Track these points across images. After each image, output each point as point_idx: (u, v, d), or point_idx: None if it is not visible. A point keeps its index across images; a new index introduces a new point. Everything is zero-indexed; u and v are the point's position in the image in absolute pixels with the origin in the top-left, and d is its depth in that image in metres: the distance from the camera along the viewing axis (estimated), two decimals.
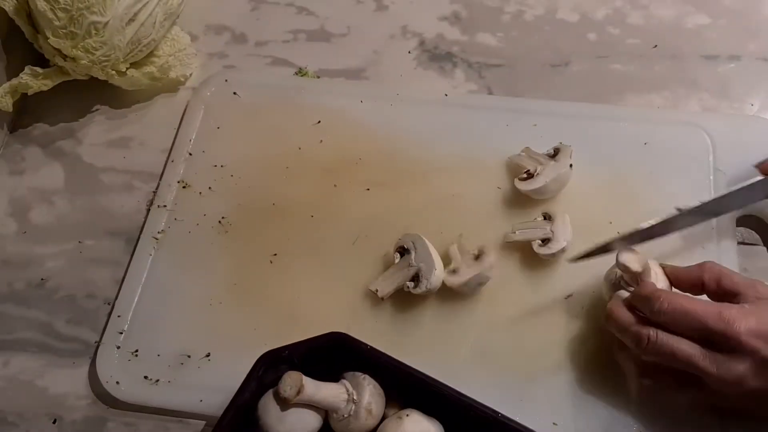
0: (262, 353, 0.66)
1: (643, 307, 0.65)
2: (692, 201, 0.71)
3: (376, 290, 0.75)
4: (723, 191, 0.72)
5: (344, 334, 0.67)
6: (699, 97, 0.89)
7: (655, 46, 0.94)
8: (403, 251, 0.76)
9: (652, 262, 0.69)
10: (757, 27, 0.95)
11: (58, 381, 0.77)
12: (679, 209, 0.70)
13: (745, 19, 0.95)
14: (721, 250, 0.76)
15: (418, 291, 0.74)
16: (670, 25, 0.96)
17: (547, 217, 0.78)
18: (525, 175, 0.80)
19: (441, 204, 0.80)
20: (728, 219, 0.78)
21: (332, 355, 0.68)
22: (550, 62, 0.94)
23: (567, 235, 0.76)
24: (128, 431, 0.74)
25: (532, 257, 0.77)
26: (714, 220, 0.78)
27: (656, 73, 0.92)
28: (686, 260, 0.71)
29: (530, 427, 0.67)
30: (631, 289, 0.68)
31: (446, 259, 0.78)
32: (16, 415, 0.75)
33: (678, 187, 0.78)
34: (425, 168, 0.84)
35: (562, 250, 0.75)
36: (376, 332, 0.74)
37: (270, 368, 0.67)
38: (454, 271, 0.75)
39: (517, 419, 0.67)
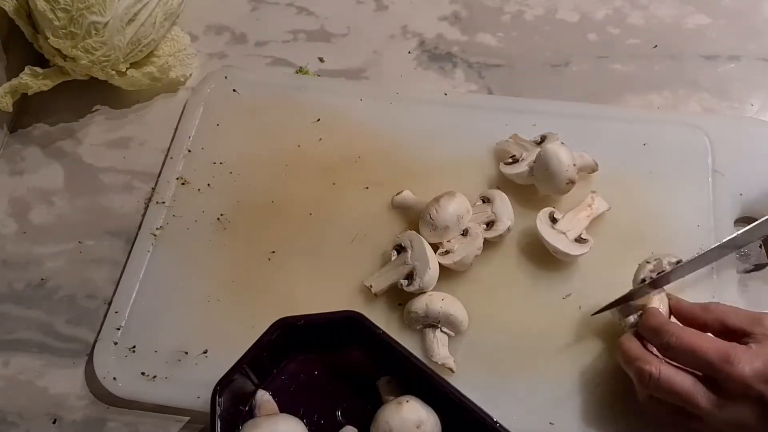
0: (274, 321, 0.69)
1: (651, 338, 0.64)
2: (711, 241, 0.72)
3: (371, 286, 0.75)
4: (746, 227, 0.72)
5: (360, 314, 0.68)
6: (699, 97, 0.89)
7: (655, 46, 0.94)
8: (399, 249, 0.77)
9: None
10: (757, 27, 0.95)
11: (58, 381, 0.77)
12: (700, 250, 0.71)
13: (745, 19, 0.95)
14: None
15: (410, 289, 0.74)
16: (670, 25, 0.96)
17: (486, 200, 0.79)
18: (510, 160, 0.81)
19: None
20: (727, 221, 0.78)
21: (342, 333, 0.69)
22: (550, 62, 0.94)
23: (509, 214, 0.77)
24: (128, 431, 0.74)
25: (530, 256, 0.77)
26: (712, 220, 0.78)
27: (656, 73, 0.92)
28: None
29: (527, 426, 0.68)
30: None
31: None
32: (16, 415, 0.75)
33: (677, 188, 0.78)
34: (424, 167, 0.84)
35: (508, 230, 0.76)
36: None
37: (284, 334, 0.68)
38: (446, 252, 0.76)
39: (514, 418, 0.68)
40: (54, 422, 0.74)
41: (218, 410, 0.65)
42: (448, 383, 0.65)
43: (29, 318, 0.81)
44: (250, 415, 0.69)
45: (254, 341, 0.68)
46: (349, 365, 0.70)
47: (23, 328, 0.80)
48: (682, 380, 0.61)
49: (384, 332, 0.67)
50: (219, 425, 0.65)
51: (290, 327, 0.68)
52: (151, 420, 0.74)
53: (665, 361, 0.63)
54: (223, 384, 0.66)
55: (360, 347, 0.69)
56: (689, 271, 0.71)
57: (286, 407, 0.69)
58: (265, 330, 0.68)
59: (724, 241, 0.70)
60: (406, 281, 0.74)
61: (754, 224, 0.70)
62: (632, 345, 0.65)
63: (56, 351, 0.78)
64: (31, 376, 0.77)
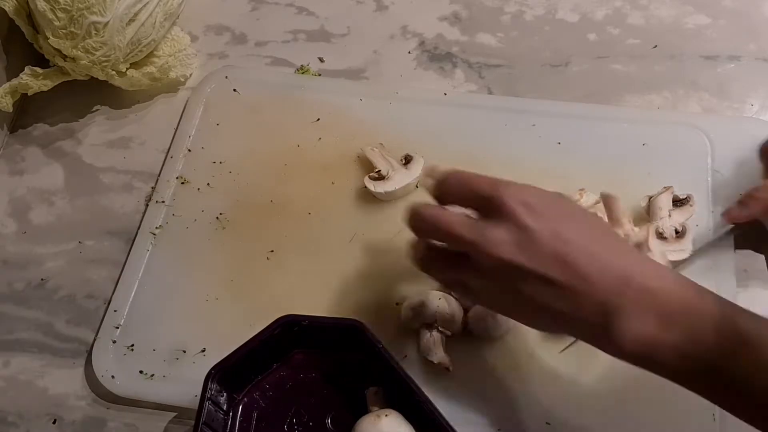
0: (279, 316, 0.69)
1: (431, 190, 0.64)
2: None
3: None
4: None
5: (363, 324, 0.68)
6: (699, 98, 0.89)
7: (655, 46, 0.94)
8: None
9: None
10: (757, 27, 0.95)
11: (58, 381, 0.77)
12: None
13: (745, 19, 0.95)
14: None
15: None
16: (670, 25, 0.96)
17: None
18: (376, 175, 0.82)
19: None
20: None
21: (345, 339, 0.69)
22: (550, 62, 0.94)
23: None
24: (128, 431, 0.74)
25: None
26: (711, 221, 0.78)
27: (656, 73, 0.92)
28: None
29: (523, 426, 0.68)
30: None
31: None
32: (16, 415, 0.75)
33: (676, 188, 0.78)
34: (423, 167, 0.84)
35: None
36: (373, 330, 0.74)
37: (287, 331, 0.69)
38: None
39: (510, 418, 0.68)
40: (54, 422, 0.74)
41: (208, 393, 0.66)
42: (440, 413, 0.64)
43: (29, 318, 0.81)
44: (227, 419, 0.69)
45: (256, 333, 0.68)
46: (347, 373, 0.70)
47: (23, 328, 0.80)
48: (447, 213, 0.60)
49: (384, 347, 0.67)
50: (206, 410, 0.65)
51: (294, 325, 0.69)
52: (151, 420, 0.74)
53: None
54: (218, 369, 0.66)
55: (360, 357, 0.69)
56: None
57: (278, 403, 0.70)
58: (267, 324, 0.68)
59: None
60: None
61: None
62: (413, 204, 0.64)
63: (56, 351, 0.78)
64: (31, 376, 0.77)
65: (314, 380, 0.71)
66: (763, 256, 0.77)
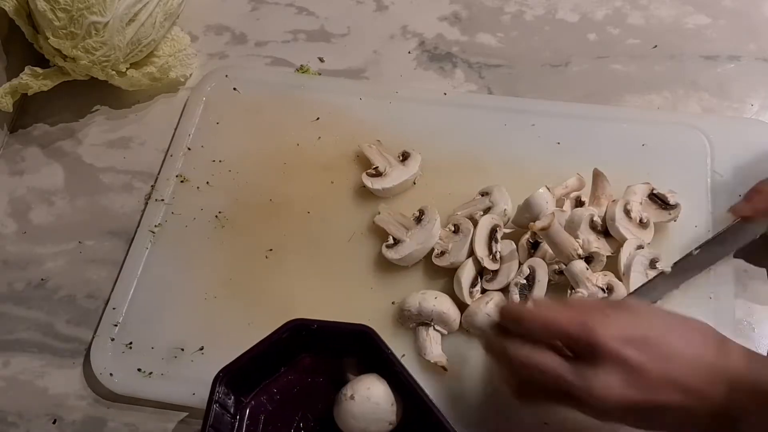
0: (289, 320, 0.68)
1: (510, 325, 0.62)
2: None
3: (378, 213, 0.79)
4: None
5: (373, 330, 0.68)
6: (699, 98, 0.89)
7: (655, 46, 0.94)
8: (420, 216, 0.78)
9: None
10: (757, 27, 0.95)
11: (58, 381, 0.77)
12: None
13: (745, 19, 0.95)
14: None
15: (386, 252, 0.76)
16: (670, 25, 0.96)
17: (484, 193, 0.79)
18: (373, 172, 0.82)
19: (438, 203, 0.80)
20: (725, 222, 0.78)
21: (353, 344, 0.69)
22: (550, 62, 0.94)
23: (506, 201, 0.78)
24: (128, 431, 0.74)
25: None
26: (710, 221, 0.78)
27: (656, 73, 0.92)
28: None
29: (521, 425, 0.68)
30: None
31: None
32: (16, 415, 0.75)
33: (675, 189, 0.78)
34: (423, 167, 0.84)
35: (505, 214, 0.77)
36: None
37: (296, 335, 0.68)
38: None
39: (507, 418, 0.68)
40: (54, 422, 0.75)
41: (216, 396, 0.66)
42: (449, 423, 0.64)
43: (29, 318, 0.81)
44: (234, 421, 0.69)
45: (265, 336, 0.68)
46: (356, 377, 0.70)
47: (23, 328, 0.80)
48: (544, 356, 0.58)
49: (392, 353, 0.67)
50: (213, 412, 0.65)
51: (303, 329, 0.68)
52: (151, 419, 0.74)
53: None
54: (226, 371, 0.67)
55: (368, 362, 0.69)
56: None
57: (286, 407, 0.70)
58: (276, 328, 0.68)
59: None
60: (392, 242, 0.77)
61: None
62: (494, 339, 0.63)
63: (56, 351, 0.79)
64: (31, 376, 0.77)
65: (322, 384, 0.71)
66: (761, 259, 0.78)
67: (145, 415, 0.74)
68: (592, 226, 0.74)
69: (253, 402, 0.70)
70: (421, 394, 0.65)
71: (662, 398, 0.55)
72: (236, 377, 0.68)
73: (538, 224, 0.71)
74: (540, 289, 0.72)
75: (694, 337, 0.57)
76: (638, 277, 0.72)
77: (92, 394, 0.76)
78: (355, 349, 0.69)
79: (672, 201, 0.76)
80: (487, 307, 0.71)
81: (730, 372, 0.55)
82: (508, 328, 0.62)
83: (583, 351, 0.57)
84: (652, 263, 0.73)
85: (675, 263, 0.73)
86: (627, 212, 0.74)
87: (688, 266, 0.74)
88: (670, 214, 0.76)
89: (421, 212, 0.79)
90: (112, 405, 0.75)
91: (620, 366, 0.55)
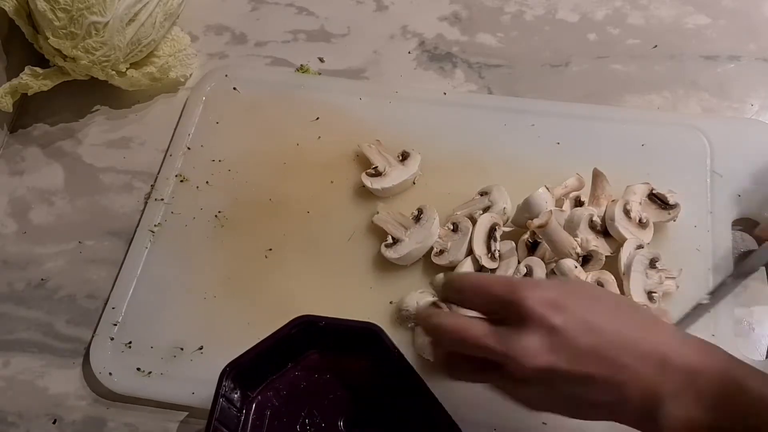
0: (296, 316, 0.69)
1: (440, 292, 0.62)
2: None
3: (377, 212, 0.79)
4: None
5: (380, 329, 0.68)
6: (699, 98, 0.89)
7: (655, 46, 0.94)
8: (418, 215, 0.78)
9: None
10: (757, 27, 0.95)
11: (58, 381, 0.77)
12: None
13: (745, 19, 0.95)
14: (716, 258, 0.77)
15: (384, 251, 0.76)
16: (670, 25, 0.96)
17: (484, 193, 0.79)
18: (373, 171, 0.82)
19: (437, 202, 0.80)
20: (725, 223, 0.78)
21: (361, 343, 0.69)
22: (550, 62, 0.94)
23: (505, 199, 0.78)
24: (128, 431, 0.74)
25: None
26: (710, 222, 0.78)
27: (656, 73, 0.92)
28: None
29: (520, 425, 0.69)
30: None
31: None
32: (16, 415, 0.75)
33: (675, 189, 0.78)
34: (423, 166, 0.84)
35: (505, 213, 0.77)
36: None
37: (303, 331, 0.69)
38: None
39: (507, 418, 0.69)
40: (54, 422, 0.75)
41: (222, 390, 0.66)
42: (456, 424, 0.64)
43: (29, 318, 0.81)
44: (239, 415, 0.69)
45: (272, 332, 0.68)
46: (362, 376, 0.70)
47: (23, 328, 0.80)
48: (466, 321, 0.57)
49: (400, 353, 0.67)
50: (219, 407, 0.65)
51: (310, 325, 0.69)
52: (151, 419, 0.74)
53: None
54: (233, 366, 0.67)
55: (375, 361, 0.69)
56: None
57: (291, 403, 0.70)
58: (284, 324, 0.69)
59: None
60: (391, 242, 0.78)
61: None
62: (422, 309, 0.63)
63: (56, 351, 0.79)
64: (31, 376, 0.77)
65: (328, 381, 0.71)
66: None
67: (145, 415, 0.74)
68: (592, 225, 0.74)
69: (259, 397, 0.70)
70: (429, 393, 0.65)
71: (589, 369, 0.53)
72: (243, 372, 0.68)
73: (536, 222, 0.71)
74: None
75: (625, 313, 0.56)
76: (638, 276, 0.72)
77: (92, 394, 0.76)
78: (363, 347, 0.69)
79: (671, 201, 0.76)
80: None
81: (660, 351, 0.53)
82: (445, 299, 0.62)
83: (508, 315, 0.55)
84: (652, 263, 0.73)
85: (710, 293, 0.73)
86: (626, 212, 0.75)
87: (722, 293, 0.73)
88: (669, 213, 0.76)
89: (420, 211, 0.79)
90: (112, 405, 0.75)
91: (545, 329, 0.53)
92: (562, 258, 0.72)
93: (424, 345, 0.72)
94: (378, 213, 0.80)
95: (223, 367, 0.67)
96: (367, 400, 0.70)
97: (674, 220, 0.76)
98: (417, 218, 0.78)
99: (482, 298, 0.57)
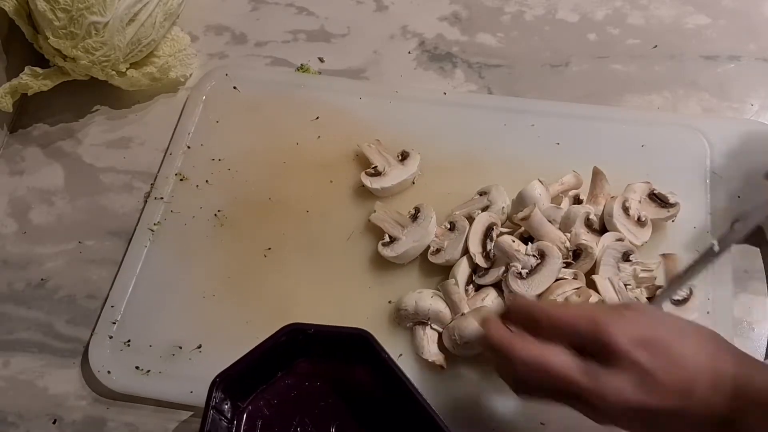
0: (285, 324, 0.68)
1: (520, 319, 0.60)
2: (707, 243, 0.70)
3: (374, 211, 0.79)
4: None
5: (369, 334, 0.67)
6: (699, 98, 0.89)
7: (655, 46, 0.94)
8: (416, 214, 0.78)
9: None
10: (757, 27, 0.95)
11: (58, 381, 0.77)
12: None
13: (745, 19, 0.95)
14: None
15: (381, 250, 0.77)
16: (670, 25, 0.96)
17: (483, 193, 0.80)
18: (372, 171, 0.82)
19: (436, 202, 0.80)
20: (724, 223, 0.78)
21: (351, 349, 0.69)
22: (550, 62, 0.94)
23: (504, 199, 0.78)
24: (128, 431, 0.74)
25: None
26: (709, 223, 0.78)
27: (656, 73, 0.92)
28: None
29: (518, 426, 0.68)
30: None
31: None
32: (16, 415, 0.75)
33: (674, 190, 0.78)
34: (421, 166, 0.84)
35: (504, 213, 0.78)
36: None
37: (293, 339, 0.68)
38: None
39: (505, 418, 0.69)
40: (54, 422, 0.75)
41: (213, 401, 0.65)
42: (447, 427, 0.63)
43: (29, 318, 0.81)
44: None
45: (261, 341, 0.68)
46: (352, 382, 0.70)
47: (23, 328, 0.80)
48: (552, 354, 0.56)
49: (389, 357, 0.66)
50: (210, 418, 0.65)
51: (299, 333, 0.68)
52: (152, 420, 0.74)
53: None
54: (223, 377, 0.66)
55: (365, 366, 0.69)
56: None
57: (283, 412, 0.69)
58: (275, 331, 0.68)
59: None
60: (388, 240, 0.78)
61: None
62: (498, 329, 0.60)
63: (56, 351, 0.79)
64: (31, 376, 0.77)
65: (319, 389, 0.70)
66: (761, 260, 0.78)
67: (146, 416, 0.74)
68: (588, 224, 0.74)
69: (250, 407, 0.70)
70: (420, 398, 0.64)
71: (671, 404, 0.54)
72: (233, 382, 0.67)
73: (519, 215, 0.71)
74: (543, 276, 0.71)
75: (703, 344, 0.56)
76: (608, 269, 0.72)
77: (92, 394, 0.76)
78: (353, 353, 0.69)
79: (672, 200, 0.76)
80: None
81: (735, 380, 0.54)
82: (511, 320, 0.61)
83: (593, 350, 0.55)
84: (626, 256, 0.72)
85: (719, 239, 0.69)
86: (625, 209, 0.75)
87: (729, 240, 0.70)
88: (669, 212, 0.76)
89: (417, 210, 0.79)
90: (112, 405, 0.75)
91: (633, 369, 0.54)
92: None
93: (421, 345, 0.72)
94: (375, 212, 0.80)
95: (221, 366, 0.67)
96: (358, 406, 0.69)
97: (673, 220, 0.76)
98: (414, 217, 0.78)
99: (563, 331, 0.57)
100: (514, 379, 0.60)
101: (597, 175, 0.78)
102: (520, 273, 0.71)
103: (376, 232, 0.80)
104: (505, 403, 0.70)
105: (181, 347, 0.76)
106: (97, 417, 0.75)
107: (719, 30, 0.95)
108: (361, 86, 0.93)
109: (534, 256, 0.72)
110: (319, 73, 0.95)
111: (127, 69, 0.90)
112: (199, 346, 0.76)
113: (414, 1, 1.01)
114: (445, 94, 0.90)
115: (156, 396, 0.74)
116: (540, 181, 0.76)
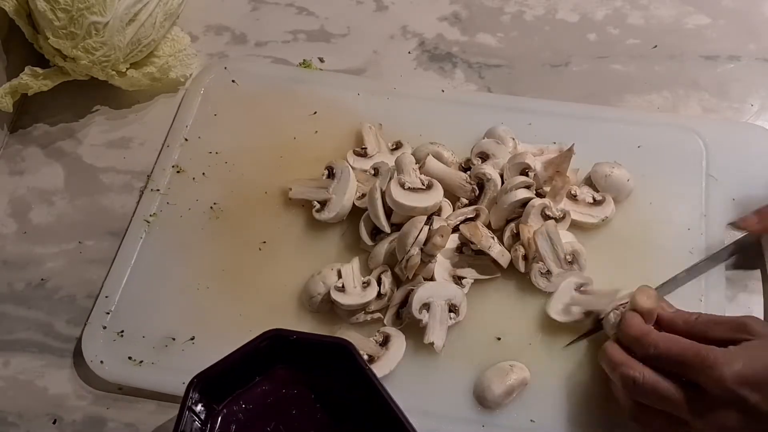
0: (267, 330, 0.68)
1: (634, 347, 0.64)
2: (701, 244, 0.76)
3: (290, 189, 0.82)
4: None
5: (350, 344, 0.67)
6: (699, 98, 0.89)
7: (655, 46, 0.94)
8: (330, 173, 0.80)
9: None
10: (757, 27, 0.95)
11: (58, 381, 0.77)
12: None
13: (745, 19, 0.95)
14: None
15: (318, 216, 0.79)
16: (670, 25, 0.96)
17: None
18: (360, 151, 0.84)
19: None
20: (718, 225, 0.78)
21: (331, 358, 0.68)
22: (549, 62, 0.94)
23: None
24: (128, 431, 0.74)
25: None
26: (704, 224, 0.78)
27: (656, 73, 0.92)
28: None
29: (508, 423, 0.69)
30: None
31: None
32: (16, 415, 0.75)
33: (670, 191, 0.78)
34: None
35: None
36: None
37: (274, 345, 0.68)
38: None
39: (495, 416, 0.69)
40: (54, 422, 0.75)
41: (189, 402, 0.65)
42: None
43: (29, 318, 0.81)
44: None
45: (241, 345, 0.67)
46: (330, 391, 0.69)
47: (23, 328, 0.80)
48: (666, 386, 0.60)
49: (370, 368, 0.66)
50: (186, 418, 0.65)
51: (280, 339, 0.68)
52: (152, 419, 0.74)
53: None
54: (201, 378, 0.66)
55: (344, 376, 0.67)
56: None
57: (258, 418, 0.69)
58: (257, 335, 0.67)
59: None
60: (318, 205, 0.80)
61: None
62: (615, 351, 0.65)
63: (56, 351, 0.79)
64: (31, 376, 0.77)
65: (296, 396, 0.69)
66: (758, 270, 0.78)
67: (146, 416, 0.74)
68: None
69: (225, 410, 0.69)
70: (396, 410, 0.63)
71: None
72: (210, 384, 0.67)
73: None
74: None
75: None
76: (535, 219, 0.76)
77: (92, 394, 0.76)
78: (333, 362, 0.68)
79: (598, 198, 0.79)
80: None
81: None
82: (624, 343, 0.65)
83: (702, 384, 0.58)
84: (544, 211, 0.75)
85: (687, 270, 0.75)
86: (573, 197, 0.78)
87: (695, 273, 0.75)
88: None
89: (330, 168, 0.81)
90: (112, 405, 0.75)
91: (738, 406, 0.57)
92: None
93: (432, 327, 0.72)
94: (291, 190, 0.81)
95: (214, 359, 0.66)
96: (334, 416, 0.68)
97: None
98: (331, 174, 0.80)
99: (675, 366, 0.60)
100: (628, 404, 0.64)
101: (565, 152, 0.78)
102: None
103: None
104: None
105: (174, 339, 0.76)
106: (97, 417, 0.75)
107: (719, 30, 0.95)
108: (359, 82, 0.93)
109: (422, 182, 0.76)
110: (321, 68, 0.95)
111: (127, 69, 0.90)
112: (192, 338, 0.76)
113: (414, 1, 1.01)
114: (443, 91, 0.90)
115: (148, 387, 0.74)
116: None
